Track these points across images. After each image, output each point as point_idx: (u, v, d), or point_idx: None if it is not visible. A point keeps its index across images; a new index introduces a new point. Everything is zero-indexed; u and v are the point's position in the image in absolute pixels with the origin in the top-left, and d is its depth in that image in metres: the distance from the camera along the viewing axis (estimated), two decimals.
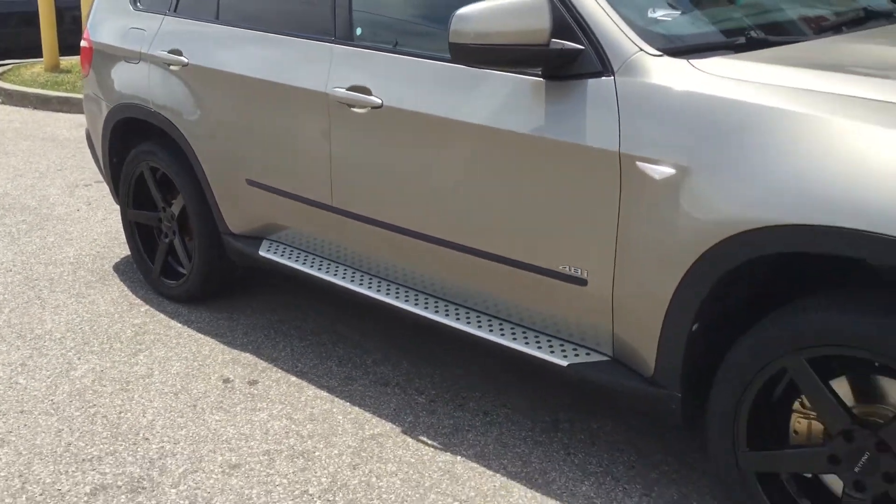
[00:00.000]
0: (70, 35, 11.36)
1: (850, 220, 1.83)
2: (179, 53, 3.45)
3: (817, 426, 2.05)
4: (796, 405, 2.09)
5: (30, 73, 10.00)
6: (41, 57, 10.39)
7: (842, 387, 2.01)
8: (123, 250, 4.47)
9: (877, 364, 1.92)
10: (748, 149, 1.98)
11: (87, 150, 6.73)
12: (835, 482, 2.04)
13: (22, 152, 6.78)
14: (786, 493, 2.12)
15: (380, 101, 2.69)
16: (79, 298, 3.91)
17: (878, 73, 2.09)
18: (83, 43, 4.10)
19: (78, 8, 11.10)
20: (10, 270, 4.24)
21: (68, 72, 10.15)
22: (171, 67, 3.49)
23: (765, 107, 1.99)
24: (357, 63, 2.79)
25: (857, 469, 1.96)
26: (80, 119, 8.25)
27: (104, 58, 3.91)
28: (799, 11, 2.67)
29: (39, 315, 3.73)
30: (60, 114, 8.55)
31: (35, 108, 8.77)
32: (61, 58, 10.44)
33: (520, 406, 2.94)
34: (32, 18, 10.97)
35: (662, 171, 2.11)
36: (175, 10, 3.58)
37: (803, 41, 2.36)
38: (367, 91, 2.73)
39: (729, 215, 1.99)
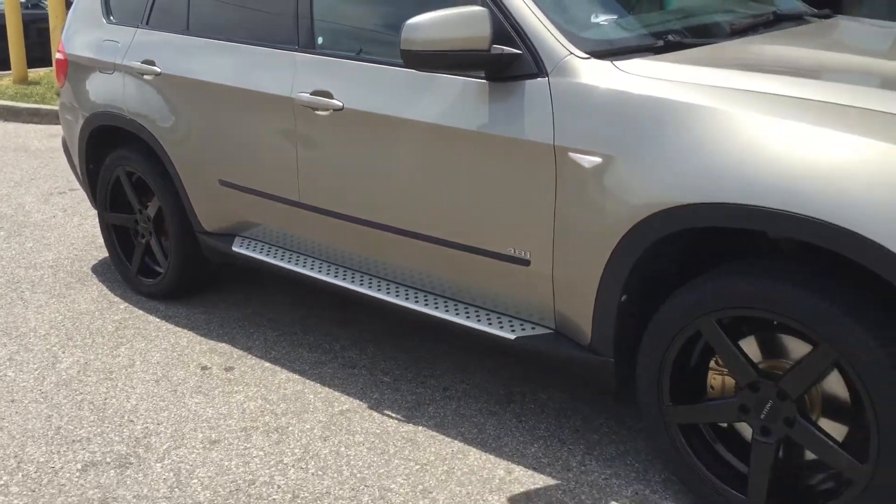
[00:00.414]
0: (36, 48, 11.47)
1: (751, 198, 2.10)
2: (152, 63, 3.68)
3: (729, 381, 2.33)
4: (712, 363, 2.37)
5: None
6: (9, 70, 10.51)
7: (750, 345, 2.29)
8: (100, 253, 4.67)
9: (776, 323, 2.20)
10: (663, 139, 2.26)
11: (60, 160, 6.91)
12: (745, 429, 2.32)
13: None
14: (705, 441, 2.39)
15: (341, 104, 2.94)
16: (60, 298, 4.11)
17: (775, 70, 2.38)
18: (58, 55, 4.31)
19: (44, 21, 11.22)
20: None
21: (37, 83, 10.27)
22: (145, 77, 3.71)
23: (677, 102, 2.27)
24: (319, 69, 3.04)
25: (762, 416, 2.24)
26: (51, 130, 8.41)
27: (79, 69, 4.12)
28: (714, 17, 2.96)
29: (23, 314, 3.93)
30: (30, 125, 8.68)
31: (5, 120, 8.90)
32: (29, 70, 10.57)
33: (476, 381, 3.20)
34: None
35: (591, 160, 2.38)
36: (147, 23, 3.81)
37: (715, 43, 2.64)
38: (328, 95, 2.98)
39: (647, 198, 2.26)
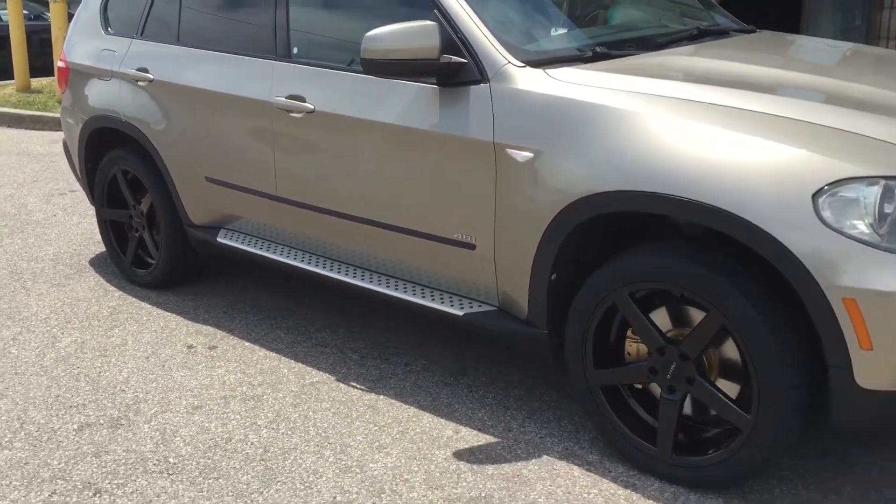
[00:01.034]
0: (38, 57, 11.84)
1: (656, 187, 2.46)
2: (146, 71, 4.04)
3: (643, 347, 2.67)
4: (629, 332, 2.72)
5: (2, 94, 10.47)
6: (12, 79, 10.88)
7: (661, 316, 2.63)
8: (97, 248, 5.02)
9: (679, 295, 2.54)
10: (583, 136, 2.61)
11: (61, 164, 7.27)
12: (655, 388, 2.66)
13: None
14: (623, 400, 2.73)
15: (312, 107, 3.30)
16: (59, 287, 4.46)
17: (684, 77, 2.74)
18: (60, 63, 4.67)
19: (45, 32, 11.60)
20: None
21: (39, 92, 10.65)
22: (139, 83, 4.07)
23: (596, 104, 2.62)
24: (294, 76, 3.39)
25: (668, 376, 2.58)
26: (52, 136, 8.77)
27: (79, 76, 4.48)
28: (642, 31, 3.33)
29: (25, 301, 4.28)
30: (33, 131, 9.05)
31: (9, 126, 9.26)
32: (31, 79, 10.94)
33: (435, 358, 3.54)
34: (3, 42, 11.45)
35: (524, 155, 2.73)
36: (142, 34, 4.17)
37: (638, 54, 2.99)
38: (302, 99, 3.33)
39: (569, 187, 2.62)
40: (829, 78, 2.85)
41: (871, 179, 2.21)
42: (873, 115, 2.46)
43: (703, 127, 2.45)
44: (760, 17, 6.57)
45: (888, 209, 2.20)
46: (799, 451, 2.76)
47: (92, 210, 5.47)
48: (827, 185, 2.22)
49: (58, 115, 9.11)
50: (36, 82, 11.13)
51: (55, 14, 9.80)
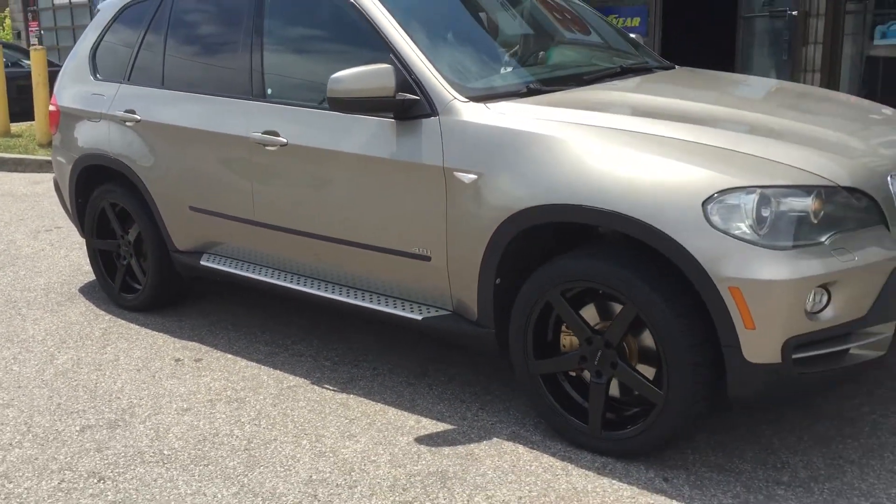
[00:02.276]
0: (16, 103, 12.21)
1: (579, 200, 2.91)
2: (133, 112, 4.46)
3: (575, 339, 3.11)
4: (564, 327, 3.15)
5: None
6: None
7: (590, 311, 3.07)
8: (86, 278, 5.39)
9: (601, 292, 2.99)
10: (517, 159, 3.06)
11: (45, 203, 7.65)
12: (587, 374, 3.09)
13: None
14: (560, 386, 3.16)
15: (285, 141, 3.73)
16: (53, 313, 4.82)
17: (604, 108, 3.21)
18: (51, 107, 5.08)
19: (23, 78, 11.98)
20: None
21: (19, 136, 11.01)
22: (127, 123, 4.49)
23: (528, 132, 3.08)
24: (268, 114, 3.83)
25: (595, 363, 3.02)
26: (34, 177, 9.14)
27: (70, 118, 4.89)
28: (571, 69, 3.81)
29: (22, 325, 4.64)
30: (15, 173, 9.41)
31: None
32: (11, 123, 11.30)
33: (400, 362, 3.95)
34: None
35: (469, 177, 3.17)
36: (129, 79, 4.59)
37: (567, 89, 3.47)
38: (276, 133, 3.76)
39: (507, 203, 3.06)
40: (724, 107, 3.33)
41: (749, 189, 2.67)
42: (754, 136, 2.94)
43: (617, 149, 2.92)
44: (700, 52, 7.15)
45: (765, 213, 2.66)
46: (711, 425, 3.20)
47: (79, 243, 5.86)
48: (714, 194, 2.69)
49: (38, 157, 9.49)
50: (15, 127, 11.50)
51: (36, 61, 10.20)
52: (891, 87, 6.64)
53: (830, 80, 6.68)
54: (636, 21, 7.90)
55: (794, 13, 6.71)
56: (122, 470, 3.13)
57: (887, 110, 3.66)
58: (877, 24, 6.61)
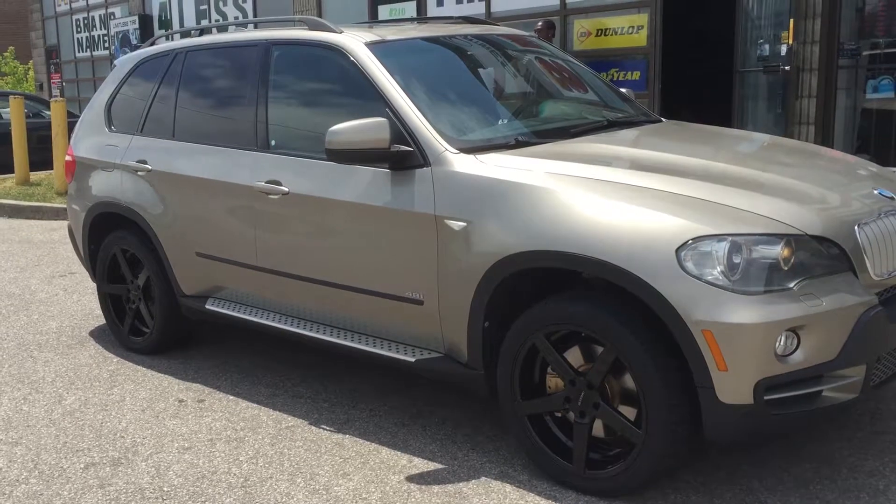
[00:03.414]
0: (36, 152, 12.55)
1: (562, 247, 3.05)
2: (145, 162, 4.66)
3: (559, 381, 3.22)
4: (549, 369, 3.27)
5: (3, 187, 11.11)
6: (12, 172, 11.54)
7: (574, 353, 3.19)
8: (97, 322, 5.55)
9: (583, 335, 3.11)
10: (504, 208, 3.22)
11: (60, 249, 7.87)
12: (571, 416, 3.20)
13: (2, 253, 7.87)
14: (546, 426, 3.26)
15: (287, 190, 3.91)
16: (63, 355, 4.98)
17: (588, 160, 3.36)
18: (67, 157, 5.31)
19: (43, 129, 12.33)
20: (5, 339, 5.30)
21: (37, 185, 11.31)
22: (139, 173, 4.69)
23: (515, 182, 3.24)
24: (272, 164, 4.02)
25: (579, 404, 3.13)
26: (51, 225, 9.39)
27: (85, 168, 5.10)
28: (559, 123, 3.99)
29: (33, 367, 4.79)
30: (33, 220, 9.67)
31: (10, 216, 9.88)
32: (31, 172, 11.61)
33: (395, 404, 4.07)
34: (4, 138, 12.15)
35: (459, 224, 3.33)
36: (141, 131, 4.81)
37: (554, 142, 3.63)
38: (278, 183, 3.95)
39: (494, 249, 3.21)
40: (704, 159, 3.48)
41: (721, 237, 2.81)
42: (730, 187, 3.09)
43: (597, 198, 3.07)
44: (698, 105, 7.35)
45: (736, 259, 2.80)
46: (693, 466, 3.28)
47: (91, 288, 6.03)
48: (688, 241, 2.83)
49: (56, 205, 9.75)
50: (35, 175, 11.81)
51: (55, 112, 10.53)
52: (884, 138, 6.80)
53: (825, 133, 6.85)
54: (636, 74, 8.12)
55: (787, 68, 6.90)
56: None
57: (873, 167, 3.81)
58: (869, 78, 6.79)
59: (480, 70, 4.31)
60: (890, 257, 3.06)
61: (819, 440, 3.46)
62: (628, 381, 3.06)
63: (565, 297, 3.14)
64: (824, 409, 2.88)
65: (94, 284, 5.30)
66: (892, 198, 3.23)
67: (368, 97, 3.70)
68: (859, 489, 3.10)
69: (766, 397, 2.77)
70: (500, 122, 3.90)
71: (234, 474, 3.45)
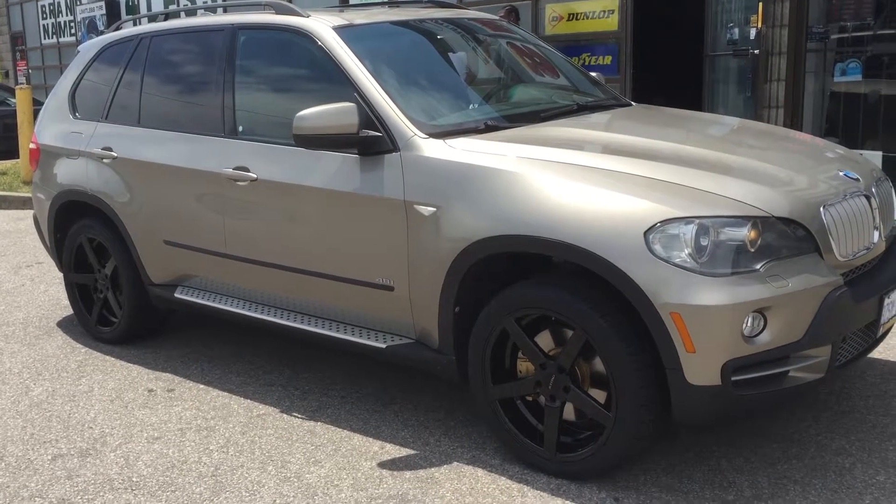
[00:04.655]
0: (2, 141, 12.35)
1: (531, 231, 3.04)
2: (110, 150, 4.59)
3: (530, 365, 3.22)
4: (520, 353, 3.27)
5: None
6: None
7: (544, 337, 3.19)
8: (64, 312, 5.48)
9: (554, 319, 3.11)
10: (473, 192, 3.20)
11: (27, 239, 7.75)
12: (542, 399, 3.20)
13: None
14: (517, 411, 3.27)
15: (255, 176, 3.87)
16: (30, 346, 4.91)
17: (557, 144, 3.35)
18: (31, 145, 5.22)
19: (9, 117, 12.13)
20: None
21: (4, 174, 11.12)
22: (104, 160, 4.62)
23: (483, 167, 3.23)
24: (239, 150, 3.97)
25: (549, 387, 3.13)
26: (17, 214, 9.24)
27: (49, 156, 5.02)
28: (529, 107, 3.98)
29: None
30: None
31: None
32: None
33: (367, 391, 4.05)
34: None
35: (429, 209, 3.31)
36: (106, 118, 4.74)
37: (524, 126, 3.62)
38: (246, 169, 3.90)
39: (464, 234, 3.19)
40: (672, 142, 3.49)
41: (688, 219, 2.82)
42: (697, 170, 3.09)
43: (565, 182, 3.06)
44: (669, 89, 7.37)
45: (703, 242, 2.81)
46: (662, 449, 3.31)
47: (58, 279, 5.95)
48: (656, 224, 2.83)
49: (22, 194, 9.59)
50: (1, 165, 11.61)
51: (21, 99, 10.35)
52: (851, 121, 6.86)
53: (793, 116, 6.89)
54: (608, 59, 8.11)
55: (756, 52, 6.93)
56: (91, 497, 3.21)
57: (839, 149, 3.83)
58: (837, 61, 6.84)
59: (450, 54, 4.28)
60: (855, 238, 3.09)
61: (786, 420, 3.50)
62: (598, 364, 3.07)
63: (535, 282, 3.14)
64: (791, 389, 2.91)
65: (61, 274, 5.22)
66: (857, 179, 3.26)
67: (336, 82, 3.66)
68: (826, 468, 3.14)
69: (733, 378, 2.79)
70: (469, 106, 3.88)
71: (205, 463, 3.43)
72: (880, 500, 2.91)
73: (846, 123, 6.90)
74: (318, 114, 3.42)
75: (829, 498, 2.94)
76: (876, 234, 3.21)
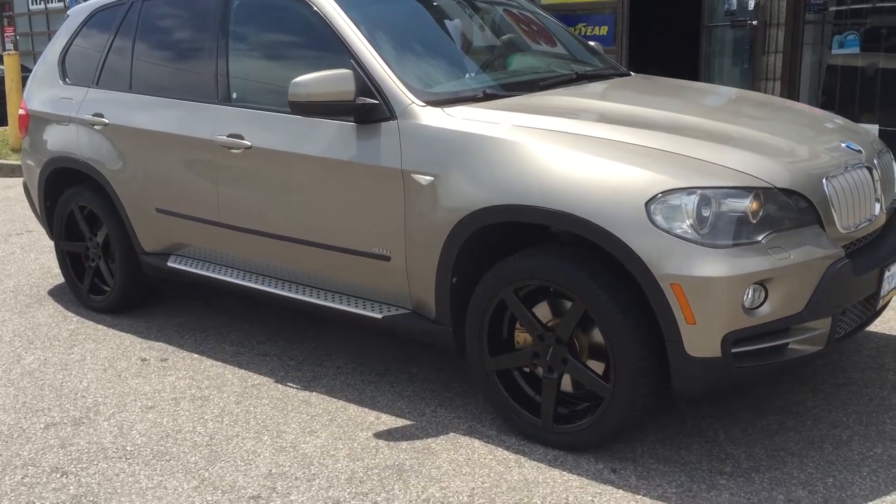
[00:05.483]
0: None
1: (530, 201, 3.01)
2: (101, 116, 4.52)
3: (528, 336, 3.20)
4: (517, 324, 3.25)
5: None
6: None
7: (542, 308, 3.17)
8: (55, 280, 5.43)
9: (552, 289, 3.09)
10: (474, 161, 3.16)
11: (17, 207, 7.66)
12: (539, 371, 3.18)
13: None
14: (515, 382, 3.25)
15: (250, 144, 3.81)
16: (21, 315, 4.86)
17: (556, 113, 3.31)
18: (20, 111, 5.13)
19: None
20: None
21: None
22: (95, 127, 4.55)
23: (482, 135, 3.18)
24: (233, 118, 3.91)
25: (547, 358, 3.12)
26: (7, 182, 9.14)
27: (39, 122, 4.94)
28: (528, 76, 3.92)
29: None
30: None
31: None
32: None
33: (363, 361, 4.03)
34: None
35: (426, 178, 3.27)
36: (97, 84, 4.66)
37: (521, 95, 3.57)
38: (240, 137, 3.84)
39: (462, 204, 3.15)
40: (673, 112, 3.45)
41: (689, 190, 2.79)
42: (699, 140, 3.06)
43: (566, 151, 3.02)
44: (666, 60, 7.31)
45: (705, 213, 2.78)
46: (659, 420, 3.30)
47: (49, 247, 5.89)
48: (657, 194, 2.80)
49: (11, 161, 9.48)
50: None
51: (9, 66, 10.19)
52: (849, 94, 6.82)
53: (790, 88, 6.84)
54: (604, 30, 8.03)
55: (755, 23, 6.87)
56: (84, 465, 3.19)
57: (839, 120, 3.80)
58: (835, 33, 6.78)
59: (448, 22, 4.21)
60: (856, 210, 3.06)
61: (784, 392, 3.49)
62: (597, 335, 3.05)
63: (534, 252, 3.11)
64: (790, 361, 2.90)
65: (52, 242, 5.16)
66: (859, 151, 3.23)
67: (332, 48, 3.60)
68: (823, 440, 3.14)
69: (733, 350, 2.77)
70: (467, 74, 3.82)
71: (200, 433, 3.41)
72: (878, 472, 2.91)
73: (843, 96, 6.86)
74: (314, 80, 3.36)
75: (826, 470, 2.94)
76: (877, 206, 3.19)
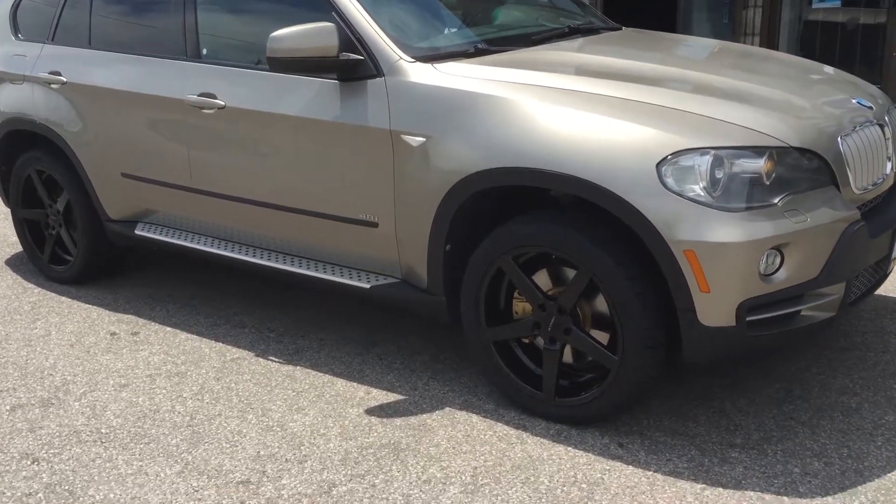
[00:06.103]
0: None
1: (529, 163, 2.83)
2: (59, 74, 4.22)
3: (528, 305, 3.05)
4: (516, 293, 3.09)
5: None
6: None
7: (542, 276, 3.01)
8: (13, 249, 5.13)
9: (554, 257, 2.93)
10: (468, 121, 2.97)
11: None
12: (540, 341, 3.03)
13: None
14: (513, 353, 3.10)
15: (223, 103, 3.56)
16: None
17: (553, 68, 3.13)
18: None
19: None
20: None
21: None
22: (52, 86, 4.25)
23: (476, 93, 2.98)
24: (205, 75, 3.65)
25: (549, 329, 2.96)
26: None
27: None
28: (519, 30, 3.72)
29: None
30: None
31: None
32: None
33: (348, 333, 3.85)
34: None
35: (417, 140, 3.07)
36: (53, 39, 4.34)
37: (514, 50, 3.37)
38: (213, 96, 3.59)
39: (457, 167, 2.97)
40: (673, 67, 3.29)
41: (703, 150, 2.63)
42: (705, 96, 2.90)
43: (568, 110, 2.84)
44: (642, 13, 7.11)
45: (718, 174, 2.63)
46: (665, 391, 3.18)
47: (4, 214, 5.56)
48: (668, 155, 2.64)
49: None
50: None
51: None
52: (828, 50, 6.71)
53: (769, 44, 6.71)
54: None
55: None
56: (57, 450, 2.98)
57: (828, 69, 3.67)
58: None
59: None
60: (870, 169, 2.94)
61: (788, 359, 3.39)
62: (600, 304, 2.90)
63: (535, 217, 2.93)
64: (802, 328, 2.79)
65: (8, 209, 4.87)
66: (870, 108, 3.10)
67: (313, 0, 3.35)
68: (833, 408, 3.05)
69: (748, 318, 2.65)
70: (458, 28, 3.61)
71: (179, 412, 3.21)
72: (892, 441, 2.83)
73: (822, 52, 6.76)
74: (294, 34, 3.13)
75: (839, 440, 2.85)
76: (889, 164, 3.07)
